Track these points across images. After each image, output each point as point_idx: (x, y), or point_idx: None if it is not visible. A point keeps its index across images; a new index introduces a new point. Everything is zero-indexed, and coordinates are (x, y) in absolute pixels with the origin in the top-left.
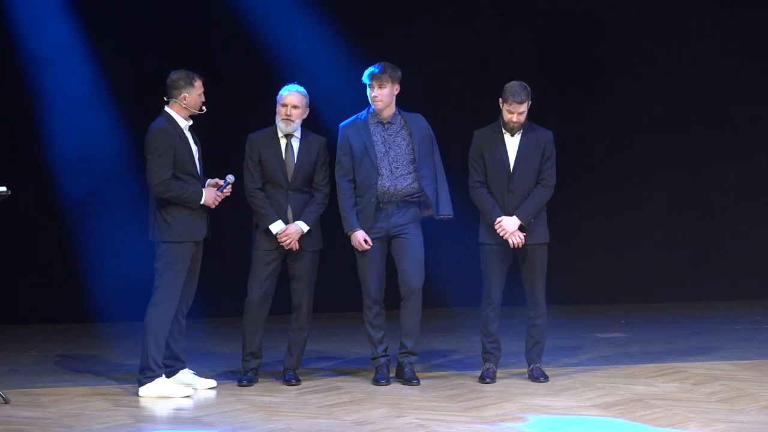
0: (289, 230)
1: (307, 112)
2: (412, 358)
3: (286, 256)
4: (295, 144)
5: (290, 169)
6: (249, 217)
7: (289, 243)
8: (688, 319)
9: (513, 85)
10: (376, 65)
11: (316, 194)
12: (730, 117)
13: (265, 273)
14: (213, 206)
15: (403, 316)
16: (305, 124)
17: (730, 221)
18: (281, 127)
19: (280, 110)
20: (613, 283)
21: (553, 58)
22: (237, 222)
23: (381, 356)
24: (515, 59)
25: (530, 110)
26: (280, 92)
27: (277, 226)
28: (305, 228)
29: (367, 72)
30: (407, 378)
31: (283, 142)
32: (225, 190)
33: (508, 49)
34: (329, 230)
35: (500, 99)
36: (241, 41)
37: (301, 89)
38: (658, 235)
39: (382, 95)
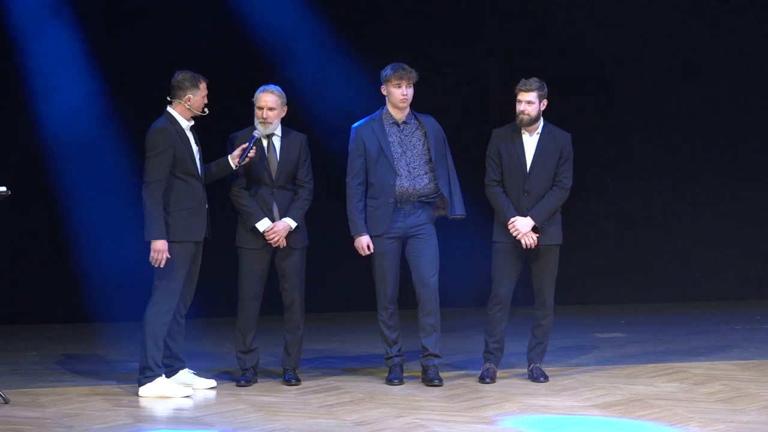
0: (276, 227)
1: (285, 110)
2: (436, 361)
3: (273, 255)
4: (277, 142)
5: (274, 167)
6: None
7: (277, 240)
8: (688, 319)
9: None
10: (400, 64)
11: (301, 191)
12: (730, 118)
13: (255, 272)
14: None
15: (421, 318)
16: (297, 123)
17: (729, 221)
18: (260, 129)
19: (257, 113)
20: (613, 283)
21: (558, 59)
22: (237, 222)
23: (395, 356)
24: (520, 61)
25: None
26: (256, 94)
27: (263, 224)
28: (293, 224)
29: (394, 70)
30: (430, 378)
31: (264, 141)
32: (250, 153)
33: (514, 51)
34: (330, 229)
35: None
36: (232, 37)
37: (276, 89)
38: (658, 236)
39: (411, 95)
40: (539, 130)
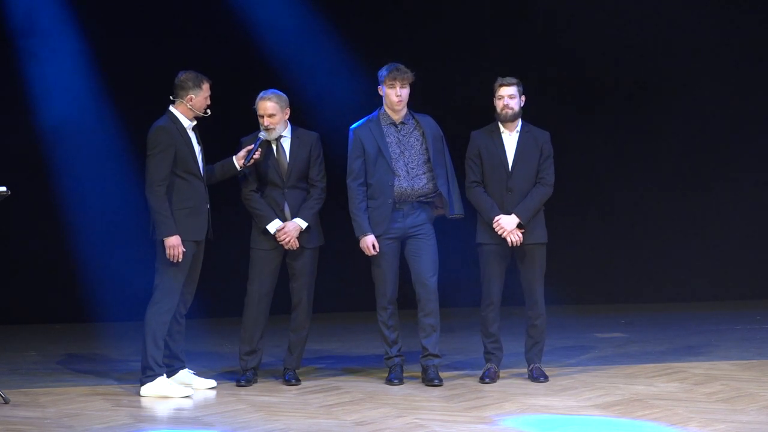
0: (287, 228)
1: (288, 111)
2: (436, 361)
3: (285, 254)
4: (286, 143)
5: (283, 167)
6: (249, 217)
7: (288, 241)
8: (688, 319)
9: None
10: (395, 65)
11: (313, 190)
12: (729, 119)
13: (265, 273)
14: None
15: (421, 318)
16: (302, 124)
17: (730, 221)
18: (265, 135)
19: (260, 120)
20: (613, 283)
21: (555, 61)
22: (237, 222)
23: (395, 356)
24: (518, 64)
25: (531, 113)
26: (256, 101)
27: (274, 225)
28: (303, 225)
29: (388, 71)
30: (430, 378)
31: (273, 143)
32: (255, 155)
33: (511, 54)
34: (330, 229)
35: (494, 94)
36: (238, 39)
37: (274, 94)
38: (658, 235)
39: (405, 95)
40: (518, 128)
